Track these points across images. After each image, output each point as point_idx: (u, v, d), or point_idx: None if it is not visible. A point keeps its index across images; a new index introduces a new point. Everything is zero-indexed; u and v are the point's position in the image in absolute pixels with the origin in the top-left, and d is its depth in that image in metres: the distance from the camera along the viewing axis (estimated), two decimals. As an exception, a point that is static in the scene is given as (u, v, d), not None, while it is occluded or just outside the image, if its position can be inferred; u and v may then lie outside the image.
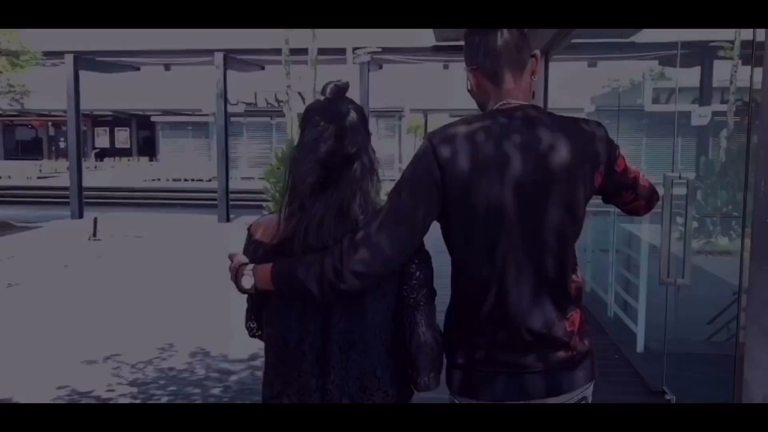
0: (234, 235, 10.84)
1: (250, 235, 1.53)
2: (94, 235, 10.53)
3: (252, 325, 1.61)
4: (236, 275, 1.45)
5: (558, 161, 1.37)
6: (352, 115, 1.46)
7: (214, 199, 13.81)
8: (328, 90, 1.47)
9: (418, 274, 1.45)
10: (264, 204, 11.50)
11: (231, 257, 1.50)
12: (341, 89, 1.48)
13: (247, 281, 1.43)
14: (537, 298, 1.39)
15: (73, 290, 7.20)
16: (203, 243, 10.68)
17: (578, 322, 1.44)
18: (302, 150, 1.44)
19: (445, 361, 1.48)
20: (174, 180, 22.01)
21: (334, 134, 1.42)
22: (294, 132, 10.81)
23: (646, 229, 5.36)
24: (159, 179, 22.23)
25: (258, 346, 4.88)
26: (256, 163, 21.70)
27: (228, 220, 13.39)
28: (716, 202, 9.76)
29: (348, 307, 1.42)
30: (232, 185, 14.53)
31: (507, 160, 1.35)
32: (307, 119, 1.47)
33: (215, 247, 10.14)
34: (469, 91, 1.55)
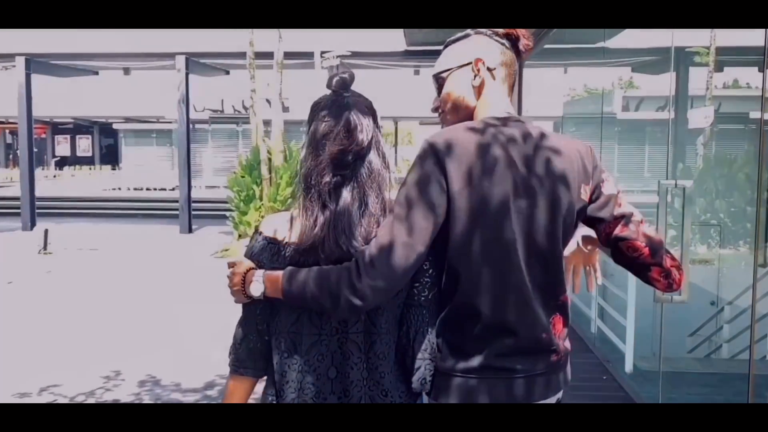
0: (196, 247, 10.32)
1: (261, 236, 1.45)
2: (45, 248, 9.88)
3: (246, 365, 1.48)
4: (243, 281, 1.40)
5: (554, 173, 1.41)
6: (360, 107, 1.42)
7: (177, 209, 13.21)
8: (334, 82, 1.43)
9: (431, 271, 1.42)
10: (228, 214, 11.00)
11: (232, 264, 1.44)
12: (347, 81, 1.44)
13: (257, 288, 1.38)
14: (532, 305, 1.40)
15: (14, 310, 6.60)
16: (162, 256, 10.10)
17: (562, 323, 1.48)
18: (312, 148, 1.41)
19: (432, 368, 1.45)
20: (135, 189, 21.29)
21: (343, 129, 1.39)
22: (259, 138, 10.35)
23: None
24: (119, 188, 21.49)
25: (214, 372, 4.42)
26: (221, 171, 21.13)
27: (190, 230, 12.79)
28: (694, 209, 9.62)
29: None
30: (197, 194, 13.99)
31: (509, 170, 1.37)
32: (313, 115, 1.44)
33: (174, 262, 9.59)
34: (442, 97, 1.55)
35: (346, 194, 1.39)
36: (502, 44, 1.51)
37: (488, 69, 1.50)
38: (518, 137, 1.42)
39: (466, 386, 1.41)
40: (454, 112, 1.54)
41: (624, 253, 1.49)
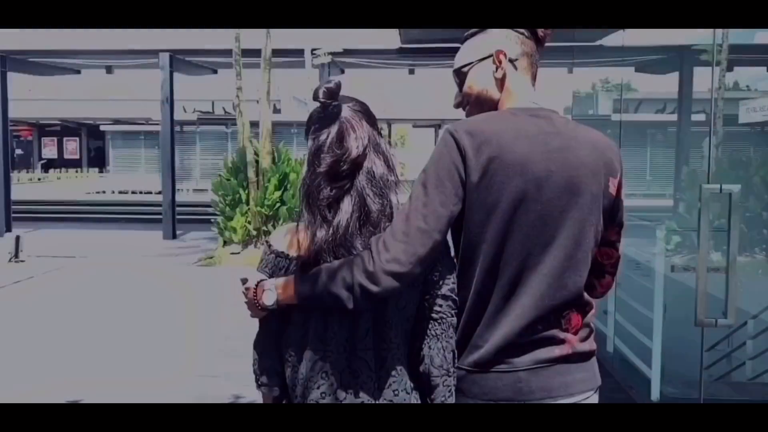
0: (177, 255, 9.68)
1: (271, 248, 1.44)
2: (16, 255, 9.27)
3: (260, 378, 1.45)
4: (255, 293, 1.37)
5: (580, 164, 1.39)
6: (350, 113, 1.40)
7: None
8: (321, 94, 1.39)
9: (441, 283, 1.38)
10: (212, 219, 10.43)
11: (244, 280, 1.41)
12: (333, 91, 1.40)
13: (270, 297, 1.36)
14: (547, 299, 1.37)
15: (-28, 325, 6.01)
16: (140, 265, 9.50)
17: (579, 320, 1.44)
18: (309, 164, 1.40)
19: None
20: (120, 192, 20.67)
21: (335, 139, 1.37)
22: (245, 140, 9.79)
23: (658, 248, 4.55)
24: (104, 192, 20.86)
25: (194, 396, 3.84)
26: (210, 174, 20.55)
27: (174, 236, 12.17)
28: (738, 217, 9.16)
29: (373, 322, 1.35)
30: (184, 198, 13.38)
31: (531, 161, 1.35)
32: (307, 131, 1.44)
33: (153, 271, 8.99)
34: (465, 91, 1.54)
35: (346, 206, 1.35)
36: (521, 34, 1.49)
37: (510, 60, 1.48)
38: (543, 127, 1.40)
39: (469, 379, 1.39)
40: (478, 106, 1.52)
41: (596, 259, 1.50)
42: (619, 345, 4.95)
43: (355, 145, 1.36)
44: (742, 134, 12.56)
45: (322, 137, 1.37)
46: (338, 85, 1.41)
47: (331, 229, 1.34)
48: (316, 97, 1.40)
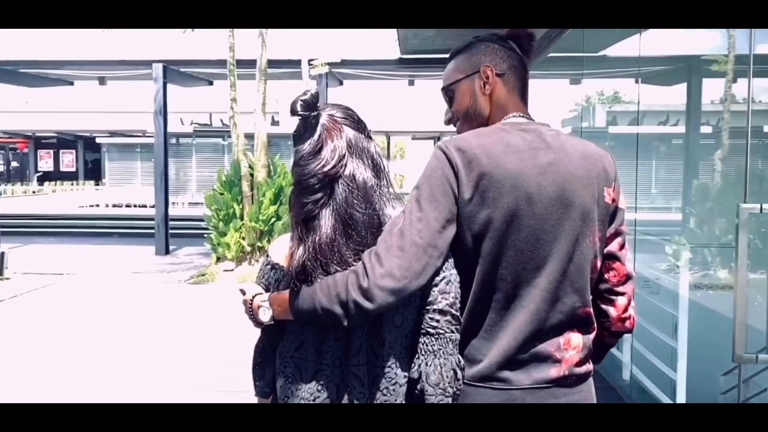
0: (169, 272, 9.26)
1: (268, 259, 1.45)
2: (1, 273, 8.90)
3: (258, 384, 1.47)
4: (252, 308, 1.39)
5: (573, 180, 1.38)
6: (329, 122, 1.38)
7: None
8: (298, 107, 1.38)
9: (439, 297, 1.35)
10: (205, 234, 10.08)
11: (243, 291, 1.43)
12: (309, 102, 1.38)
13: (265, 314, 1.37)
14: (541, 315, 1.36)
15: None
16: (130, 282, 9.13)
17: (578, 338, 1.41)
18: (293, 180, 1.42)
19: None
20: (115, 206, 20.31)
21: (311, 151, 1.35)
22: (240, 152, 9.46)
23: (681, 269, 4.22)
24: (97, 205, 20.51)
25: None
26: (206, 187, 20.28)
27: (167, 252, 11.80)
28: (714, 230, 8.85)
29: (367, 339, 1.35)
30: (180, 212, 13.01)
31: (521, 176, 1.34)
32: (293, 146, 1.44)
33: (142, 289, 8.61)
34: (454, 108, 1.55)
35: (325, 221, 1.33)
36: (507, 47, 1.50)
37: (497, 75, 1.49)
38: (532, 142, 1.39)
39: (463, 392, 1.36)
40: (469, 122, 1.52)
41: (602, 276, 1.48)
42: (637, 374, 4.60)
43: (330, 156, 1.34)
44: (750, 146, 12.29)
45: (301, 150, 1.36)
46: (314, 96, 1.39)
47: (310, 245, 1.32)
48: (294, 112, 1.37)
